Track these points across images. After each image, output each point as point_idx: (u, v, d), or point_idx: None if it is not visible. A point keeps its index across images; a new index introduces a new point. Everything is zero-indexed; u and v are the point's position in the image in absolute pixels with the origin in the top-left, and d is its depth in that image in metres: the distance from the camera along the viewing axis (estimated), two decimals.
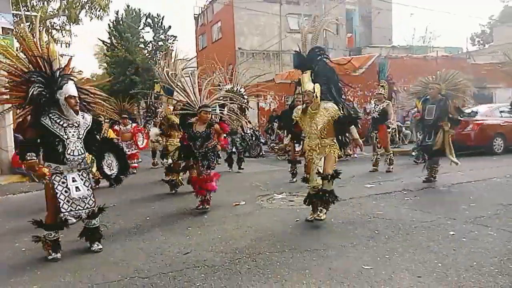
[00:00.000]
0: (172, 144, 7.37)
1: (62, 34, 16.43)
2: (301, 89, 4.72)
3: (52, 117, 3.84)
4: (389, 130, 8.74)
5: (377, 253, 3.62)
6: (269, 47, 25.44)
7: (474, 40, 35.82)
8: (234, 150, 9.68)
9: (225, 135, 6.19)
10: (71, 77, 4.03)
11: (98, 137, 4.29)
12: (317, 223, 4.69)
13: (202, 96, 5.70)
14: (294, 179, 7.60)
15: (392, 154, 8.53)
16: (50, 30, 16.14)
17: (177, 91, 6.04)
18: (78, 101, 3.94)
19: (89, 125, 4.06)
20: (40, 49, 3.95)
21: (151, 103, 15.09)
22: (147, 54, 32.93)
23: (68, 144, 3.83)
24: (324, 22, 4.82)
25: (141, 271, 3.46)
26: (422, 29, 53.69)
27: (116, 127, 11.15)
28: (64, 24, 16.24)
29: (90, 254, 3.97)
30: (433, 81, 6.90)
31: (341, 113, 4.55)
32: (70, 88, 3.86)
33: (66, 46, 16.63)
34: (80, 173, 3.94)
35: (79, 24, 16.00)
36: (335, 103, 4.57)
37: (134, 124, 11.02)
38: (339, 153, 4.78)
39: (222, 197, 6.21)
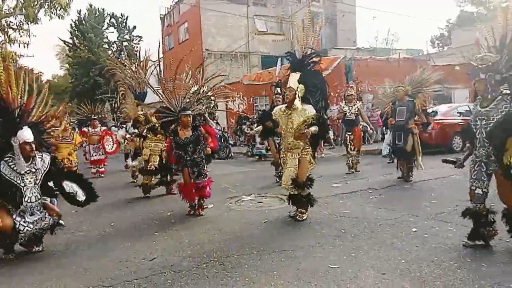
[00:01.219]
0: (149, 147, 7.02)
1: (20, 34, 15.69)
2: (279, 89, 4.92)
3: (10, 163, 3.77)
4: (361, 127, 8.69)
5: (344, 252, 3.68)
6: (237, 48, 25.43)
7: (434, 43, 37.35)
8: None
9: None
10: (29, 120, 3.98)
11: (57, 172, 4.18)
12: (284, 223, 4.75)
13: (181, 98, 5.42)
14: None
15: (360, 157, 8.57)
16: (6, 30, 15.39)
17: (158, 95, 5.73)
18: (33, 145, 3.83)
19: (47, 167, 4.01)
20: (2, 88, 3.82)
21: (116, 105, 14.71)
22: (111, 55, 32.08)
23: (25, 191, 3.82)
24: (317, 25, 5.05)
25: (105, 279, 3.34)
26: (385, 31, 55.50)
27: (84, 128, 10.78)
28: (21, 23, 15.50)
29: (51, 263, 3.80)
30: (400, 84, 7.10)
31: (316, 119, 4.72)
32: (24, 134, 3.76)
33: (24, 46, 15.88)
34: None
35: (37, 23, 15.33)
36: (315, 109, 4.75)
37: (103, 128, 10.69)
38: (311, 159, 4.94)
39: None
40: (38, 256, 4.03)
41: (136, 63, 9.07)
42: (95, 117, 10.90)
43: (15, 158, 3.78)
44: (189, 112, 5.23)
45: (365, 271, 3.22)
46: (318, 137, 5.07)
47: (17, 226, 3.77)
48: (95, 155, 10.15)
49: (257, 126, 8.38)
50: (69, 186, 4.14)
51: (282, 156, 5.06)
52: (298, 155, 4.83)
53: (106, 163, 10.58)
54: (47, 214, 3.97)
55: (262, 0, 27.56)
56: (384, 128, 9.70)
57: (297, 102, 4.73)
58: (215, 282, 3.18)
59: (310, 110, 4.72)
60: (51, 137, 4.52)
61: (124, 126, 10.18)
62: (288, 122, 4.79)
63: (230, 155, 13.37)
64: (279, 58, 19.19)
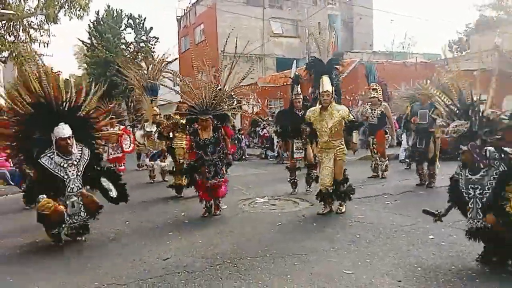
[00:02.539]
0: (181, 146, 6.98)
1: (40, 33, 15.98)
2: (320, 89, 5.15)
3: (51, 156, 3.96)
4: (387, 136, 8.31)
5: (358, 258, 3.63)
6: (252, 50, 25.46)
7: (451, 47, 36.79)
8: None
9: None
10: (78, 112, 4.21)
11: (96, 168, 4.38)
12: (298, 227, 4.74)
13: (207, 99, 5.28)
14: (296, 190, 6.80)
15: (388, 161, 8.24)
16: (27, 29, 15.72)
17: (180, 94, 5.84)
18: (70, 140, 3.99)
19: (87, 160, 4.18)
20: (43, 88, 3.99)
21: (132, 104, 14.90)
22: (128, 55, 32.51)
23: (68, 182, 4.02)
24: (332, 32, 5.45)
25: (119, 277, 3.37)
26: (402, 35, 54.91)
27: None
28: (42, 23, 15.81)
29: (64, 261, 3.85)
30: (425, 86, 6.91)
31: (350, 117, 5.15)
32: (60, 131, 3.93)
33: (44, 46, 16.20)
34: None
35: (57, 23, 15.60)
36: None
37: (122, 127, 10.80)
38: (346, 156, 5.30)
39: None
40: (51, 253, 4.09)
41: (151, 64, 9.24)
42: (113, 116, 11.04)
43: (57, 152, 3.98)
44: (208, 116, 5.19)
45: (380, 278, 3.17)
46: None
47: (65, 216, 3.98)
48: (113, 154, 10.26)
49: (252, 128, 8.30)
50: (106, 182, 4.33)
51: (318, 156, 5.45)
52: (333, 155, 5.13)
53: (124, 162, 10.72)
54: (82, 208, 4.14)
55: (278, 3, 27.56)
56: (405, 131, 9.31)
57: (332, 104, 5.09)
58: (228, 283, 3.18)
59: (344, 110, 5.11)
60: (102, 133, 4.63)
61: (139, 125, 10.29)
62: (323, 123, 5.10)
63: (243, 157, 13.38)
64: (294, 61, 19.19)
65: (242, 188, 7.48)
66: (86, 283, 3.29)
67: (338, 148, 5.16)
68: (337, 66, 5.42)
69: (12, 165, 9.03)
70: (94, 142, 4.46)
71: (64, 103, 4.13)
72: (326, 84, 5.10)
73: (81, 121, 4.26)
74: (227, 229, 4.77)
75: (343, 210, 5.27)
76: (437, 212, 3.74)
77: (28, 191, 4.22)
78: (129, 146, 10.35)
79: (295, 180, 6.86)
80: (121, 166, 10.27)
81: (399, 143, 12.42)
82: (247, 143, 15.16)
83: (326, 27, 26.40)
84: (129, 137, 10.37)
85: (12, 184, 8.49)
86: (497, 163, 3.21)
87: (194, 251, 3.97)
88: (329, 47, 5.25)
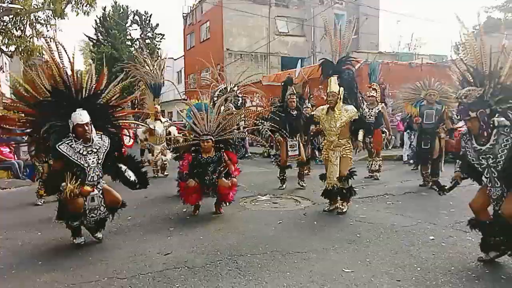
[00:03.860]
0: None
1: (47, 29, 16.07)
2: (327, 89, 5.24)
3: (70, 144, 3.83)
4: (384, 135, 8.41)
5: (358, 257, 3.64)
6: (257, 48, 25.47)
7: (458, 49, 36.56)
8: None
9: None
10: (98, 99, 4.09)
11: (116, 154, 4.24)
12: (299, 225, 4.75)
13: (212, 123, 5.22)
14: (284, 186, 7.21)
15: (381, 161, 8.33)
16: (34, 24, 15.79)
17: (186, 120, 5.71)
18: (88, 127, 3.86)
19: (107, 147, 4.05)
20: (61, 73, 3.89)
21: (136, 100, 14.97)
22: (133, 52, 32.63)
23: (88, 171, 3.90)
24: (351, 29, 5.28)
25: (120, 271, 3.40)
26: (408, 36, 54.64)
27: None
28: (49, 18, 15.89)
29: (68, 254, 3.89)
30: (427, 87, 6.87)
31: (359, 116, 5.19)
32: (77, 117, 3.82)
33: (51, 41, 16.27)
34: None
35: (64, 18, 15.67)
36: (355, 107, 5.19)
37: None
38: (351, 155, 5.34)
39: (206, 198, 6.15)
40: (54, 246, 4.12)
41: (154, 61, 9.36)
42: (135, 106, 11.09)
43: (76, 139, 3.85)
44: (209, 137, 5.11)
45: (380, 277, 3.18)
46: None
47: (86, 207, 3.88)
48: None
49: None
50: (124, 167, 4.20)
51: (324, 154, 5.45)
52: (340, 153, 5.20)
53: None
54: (102, 203, 4.04)
55: (284, 1, 27.52)
56: (408, 130, 9.24)
57: (339, 104, 5.10)
58: (227, 280, 3.20)
59: (352, 110, 5.14)
60: (122, 122, 4.48)
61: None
62: (331, 122, 5.17)
63: (246, 155, 13.38)
64: (299, 60, 19.19)
65: (244, 185, 7.48)
66: (88, 276, 3.32)
67: (345, 146, 5.21)
68: (348, 66, 5.35)
69: (17, 157, 9.13)
70: (114, 130, 4.30)
71: (84, 90, 4.01)
72: (332, 85, 5.17)
73: (101, 108, 4.12)
74: (228, 226, 4.79)
75: (344, 210, 5.23)
76: (445, 186, 3.78)
77: (49, 180, 4.01)
78: (129, 141, 10.41)
79: (284, 177, 7.28)
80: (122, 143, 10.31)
81: (402, 144, 12.39)
82: (250, 141, 15.16)
83: (336, 26, 26.35)
84: (129, 132, 10.42)
85: (23, 176, 8.58)
86: (507, 130, 3.18)
87: (195, 247, 3.99)
88: (343, 46, 5.20)
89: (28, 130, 4.10)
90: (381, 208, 5.56)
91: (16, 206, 6.18)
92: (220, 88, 8.60)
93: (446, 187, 3.81)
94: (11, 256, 3.87)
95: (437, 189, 3.79)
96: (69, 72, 3.96)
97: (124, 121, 4.58)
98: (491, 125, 3.23)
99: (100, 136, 4.03)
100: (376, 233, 4.36)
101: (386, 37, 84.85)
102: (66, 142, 3.82)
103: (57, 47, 3.98)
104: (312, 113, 7.54)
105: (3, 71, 20.26)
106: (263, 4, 26.07)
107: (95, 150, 3.94)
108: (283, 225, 4.78)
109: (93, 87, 4.06)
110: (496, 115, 3.24)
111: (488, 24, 31.19)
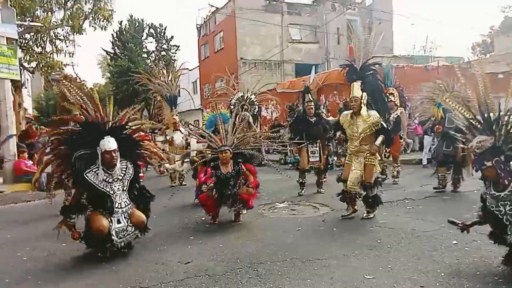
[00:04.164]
0: None
1: (66, 44, 16.56)
2: (350, 95, 5.27)
3: (96, 172, 3.95)
4: (402, 141, 8.30)
5: (379, 263, 3.60)
6: (271, 56, 25.59)
7: (475, 50, 35.96)
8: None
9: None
10: (124, 130, 4.26)
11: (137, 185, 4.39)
12: (318, 232, 4.73)
13: (229, 136, 5.31)
14: (303, 191, 7.30)
15: (400, 167, 8.24)
16: (54, 40, 16.30)
17: (199, 137, 5.82)
18: (115, 153, 3.99)
19: (131, 175, 4.18)
20: (90, 109, 4.08)
21: (154, 111, 15.23)
22: (150, 64, 33.23)
23: (114, 198, 4.01)
24: (373, 34, 5.26)
25: (142, 280, 3.45)
26: (423, 39, 54.00)
27: None
28: (68, 34, 16.37)
29: (91, 263, 3.96)
30: (451, 88, 6.71)
31: (381, 124, 5.09)
32: (106, 144, 3.96)
33: (70, 56, 16.75)
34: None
35: (82, 34, 16.12)
36: (379, 113, 5.11)
37: (142, 133, 11.01)
38: (377, 164, 5.31)
39: (224, 206, 6.18)
40: (78, 256, 4.20)
41: (169, 73, 9.56)
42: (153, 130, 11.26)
43: (100, 168, 3.97)
44: (227, 148, 5.15)
45: (402, 284, 3.14)
46: (384, 142, 5.37)
47: (111, 229, 3.95)
48: None
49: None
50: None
51: (347, 159, 5.47)
52: (364, 159, 5.18)
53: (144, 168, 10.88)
54: (129, 223, 4.08)
55: (296, 9, 27.63)
56: (431, 134, 9.12)
57: (363, 109, 5.10)
58: (248, 287, 3.20)
59: (375, 116, 5.08)
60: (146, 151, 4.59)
61: (159, 131, 10.48)
62: (353, 128, 5.19)
63: (263, 162, 13.38)
64: (313, 66, 19.19)
65: (262, 193, 7.46)
66: (111, 285, 3.39)
67: (368, 152, 5.17)
68: (372, 71, 5.29)
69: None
70: (137, 160, 4.44)
71: (111, 123, 4.19)
72: (354, 90, 5.19)
73: (125, 139, 4.26)
74: (247, 234, 4.80)
75: (370, 216, 5.21)
76: (461, 224, 3.64)
77: (67, 209, 4.08)
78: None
79: (304, 181, 7.35)
80: (140, 172, 10.45)
81: (421, 148, 12.20)
82: (266, 148, 15.17)
83: (349, 32, 26.31)
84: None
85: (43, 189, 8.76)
86: None
87: (215, 255, 4.02)
88: (367, 51, 5.20)
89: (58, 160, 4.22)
90: (401, 213, 5.48)
91: (41, 218, 6.31)
92: (238, 97, 8.73)
93: (467, 225, 3.68)
94: (38, 266, 3.97)
95: (457, 226, 3.71)
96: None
97: (148, 151, 4.62)
98: (509, 170, 3.16)
99: (125, 163, 4.15)
100: (397, 238, 4.30)
101: (401, 41, 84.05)
102: (93, 170, 3.96)
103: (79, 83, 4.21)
104: (330, 118, 7.61)
105: (25, 87, 20.90)
106: (275, 13, 26.24)
107: (120, 178, 4.07)
108: (302, 232, 4.77)
109: (119, 121, 4.25)
110: None
111: (505, 24, 30.60)
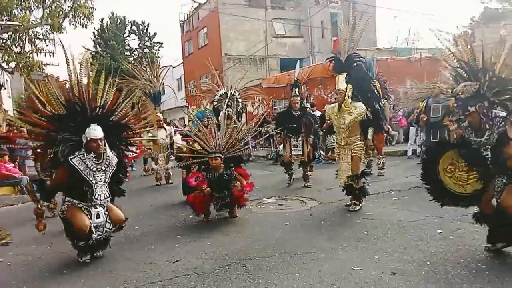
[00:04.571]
0: None
1: (46, 43, 16.19)
2: (335, 87, 5.27)
3: (82, 158, 3.82)
4: (384, 133, 8.42)
5: (366, 254, 3.64)
6: (255, 52, 25.52)
7: (456, 41, 36.44)
8: None
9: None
10: (110, 117, 4.07)
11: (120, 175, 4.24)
12: (305, 226, 4.76)
13: (220, 141, 5.19)
14: (292, 180, 7.63)
15: (384, 158, 8.38)
16: (33, 40, 15.92)
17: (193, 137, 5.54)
18: (102, 142, 3.86)
19: (114, 167, 4.04)
20: (78, 88, 3.91)
21: (138, 110, 15.04)
22: (132, 61, 32.79)
23: (95, 188, 3.87)
24: (360, 26, 5.22)
25: (130, 281, 3.41)
26: (406, 31, 54.56)
27: None
28: (47, 33, 16.01)
29: (77, 266, 3.90)
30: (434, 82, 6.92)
31: (368, 115, 5.11)
32: (91, 132, 3.81)
33: (50, 56, 16.39)
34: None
35: (62, 32, 15.78)
36: (365, 104, 5.13)
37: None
38: (363, 153, 5.36)
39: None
40: (64, 259, 4.13)
41: (153, 70, 9.46)
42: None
43: (87, 154, 3.83)
44: (218, 155, 5.08)
45: (389, 274, 3.18)
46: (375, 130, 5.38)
47: (91, 227, 3.84)
48: None
49: (258, 128, 8.44)
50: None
51: (336, 152, 5.61)
52: (351, 150, 5.22)
53: (133, 168, 10.78)
54: (107, 219, 3.99)
55: (280, 3, 27.58)
56: (415, 125, 9.25)
57: (347, 102, 5.09)
58: (237, 284, 3.20)
59: (361, 107, 5.10)
60: (136, 137, 4.50)
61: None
62: (340, 120, 5.20)
63: (250, 158, 13.39)
64: (298, 61, 19.19)
65: None
66: (97, 286, 3.35)
67: (355, 144, 5.22)
68: (358, 63, 5.23)
69: (23, 173, 9.18)
70: (124, 148, 4.32)
71: (98, 107, 4.01)
72: (339, 82, 5.20)
73: (113, 126, 4.12)
74: (235, 230, 4.79)
75: (357, 208, 5.25)
76: None
77: (49, 191, 3.94)
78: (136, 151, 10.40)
79: (291, 172, 7.67)
80: (126, 168, 10.33)
81: (406, 140, 12.36)
82: (253, 144, 15.18)
83: (333, 25, 26.40)
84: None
85: (26, 192, 8.60)
86: (500, 121, 3.21)
87: (203, 253, 4.00)
88: (351, 43, 5.17)
89: (38, 144, 4.12)
90: (387, 205, 5.55)
91: (25, 221, 6.19)
92: (221, 93, 8.67)
93: None
94: (22, 271, 3.90)
95: None
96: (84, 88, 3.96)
97: (135, 139, 4.54)
98: (491, 117, 3.25)
99: (108, 155, 4.02)
100: (383, 229, 4.35)
101: (384, 34, 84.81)
102: (78, 155, 3.81)
103: (69, 61, 3.99)
104: (316, 113, 7.64)
105: (4, 88, 20.41)
106: (259, 8, 26.14)
107: (104, 168, 3.94)
108: (290, 227, 4.78)
109: (107, 104, 4.06)
110: (495, 107, 3.26)
111: (485, 15, 31.12)
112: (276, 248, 3.97)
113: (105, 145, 3.92)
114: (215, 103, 8.62)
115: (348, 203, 5.41)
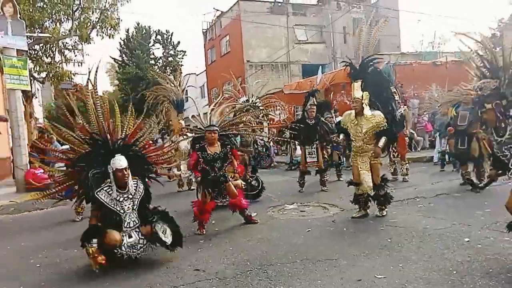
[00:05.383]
0: None
1: (75, 54, 16.82)
2: (352, 95, 5.20)
3: (107, 190, 3.94)
4: (406, 138, 8.40)
5: (390, 262, 3.57)
6: (277, 58, 25.60)
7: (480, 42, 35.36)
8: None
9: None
10: (133, 146, 4.21)
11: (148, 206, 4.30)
12: (328, 232, 4.72)
13: (212, 115, 5.38)
14: (303, 189, 7.69)
15: (408, 165, 8.24)
16: (62, 50, 16.56)
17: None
18: (127, 172, 3.96)
19: (142, 193, 4.13)
20: (98, 123, 4.07)
21: (162, 116, 15.34)
22: (157, 70, 33.52)
23: (124, 217, 3.97)
24: (376, 30, 5.12)
25: (153, 285, 3.47)
26: (431, 35, 53.44)
27: None
28: (76, 43, 16.63)
29: (103, 270, 3.97)
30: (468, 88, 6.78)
31: (385, 124, 4.98)
32: (117, 162, 3.92)
33: (79, 65, 17.02)
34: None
35: (90, 43, 16.36)
36: (383, 111, 5.01)
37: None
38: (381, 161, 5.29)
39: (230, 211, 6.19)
40: (86, 260, 4.16)
41: (176, 78, 9.66)
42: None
43: (112, 186, 3.95)
44: (215, 128, 5.15)
45: (414, 282, 3.10)
46: (388, 142, 5.26)
47: (123, 244, 3.89)
48: None
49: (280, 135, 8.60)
50: (160, 224, 4.11)
51: (353, 160, 5.44)
52: (369, 158, 5.12)
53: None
54: (140, 235, 4.02)
55: (301, 10, 27.61)
56: (438, 133, 9.12)
57: (365, 109, 4.99)
58: None
59: (379, 116, 4.98)
60: (158, 166, 4.58)
61: (167, 137, 10.55)
62: (357, 128, 5.09)
63: (272, 164, 13.40)
64: (320, 67, 19.14)
65: (271, 195, 7.49)
66: None
67: (372, 152, 5.12)
68: (372, 68, 5.09)
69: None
70: (148, 175, 4.42)
71: (120, 140, 4.15)
72: (355, 90, 5.11)
73: (136, 155, 4.22)
74: (257, 236, 4.79)
75: (383, 214, 5.21)
76: (478, 184, 3.70)
77: (87, 235, 3.91)
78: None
79: (304, 181, 7.75)
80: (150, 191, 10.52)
81: (431, 145, 12.08)
82: (276, 151, 15.18)
83: (357, 29, 26.18)
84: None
85: (62, 197, 8.90)
86: None
87: (225, 258, 4.02)
88: (366, 48, 5.07)
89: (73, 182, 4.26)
90: (412, 212, 5.43)
91: (53, 225, 6.41)
92: (242, 100, 8.77)
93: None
94: (50, 272, 4.03)
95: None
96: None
97: (158, 166, 4.62)
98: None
99: (135, 182, 4.11)
100: (408, 237, 4.26)
101: (408, 38, 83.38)
102: (104, 188, 3.94)
103: (93, 89, 4.17)
104: (337, 118, 7.57)
105: (36, 97, 21.23)
106: (280, 14, 26.26)
107: (130, 196, 4.03)
108: (312, 233, 4.75)
109: (128, 136, 4.20)
110: None
111: None
112: (298, 254, 3.95)
113: (129, 174, 4.01)
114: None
115: (354, 215, 5.29)
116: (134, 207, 4.04)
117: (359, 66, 5.09)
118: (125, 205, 3.98)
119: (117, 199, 3.95)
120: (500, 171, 3.53)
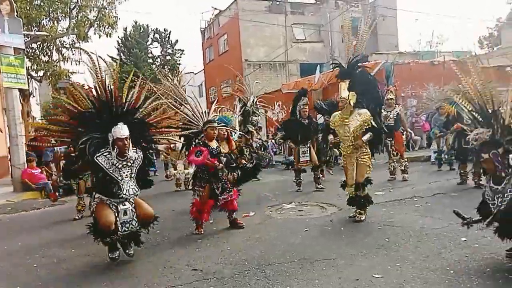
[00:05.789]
0: None
1: (72, 52, 16.77)
2: (338, 95, 5.21)
3: (107, 156, 3.90)
4: (403, 136, 8.42)
5: (388, 262, 3.58)
6: (276, 57, 25.59)
7: (482, 43, 35.54)
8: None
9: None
10: (134, 115, 4.13)
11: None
12: (325, 232, 4.71)
13: (210, 111, 5.44)
14: (300, 188, 7.70)
15: (407, 162, 8.23)
16: (60, 49, 16.51)
17: (185, 107, 5.62)
18: (127, 141, 3.92)
19: (140, 162, 4.11)
20: (103, 88, 4.01)
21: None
22: (155, 69, 33.44)
23: (122, 184, 3.94)
24: (365, 31, 5.06)
25: (151, 285, 3.47)
26: (429, 34, 53.55)
27: None
28: (73, 42, 16.58)
29: (100, 269, 3.99)
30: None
31: (371, 123, 4.91)
32: (118, 130, 3.88)
33: (76, 64, 16.96)
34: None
35: (88, 41, 16.31)
36: (371, 108, 4.95)
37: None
38: (369, 163, 5.14)
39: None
40: (86, 262, 4.24)
41: (175, 77, 9.67)
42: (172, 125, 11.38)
43: (112, 152, 3.90)
44: (215, 124, 5.16)
45: (411, 282, 3.11)
46: (374, 142, 5.17)
47: (117, 224, 3.90)
48: None
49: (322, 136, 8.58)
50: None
51: (343, 160, 5.43)
52: (356, 159, 5.05)
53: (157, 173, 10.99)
54: (134, 217, 4.03)
55: (299, 9, 27.60)
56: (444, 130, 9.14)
57: (352, 108, 4.94)
58: None
59: (365, 114, 4.91)
60: (161, 135, 4.54)
61: None
62: (345, 128, 5.03)
63: (270, 163, 13.39)
64: (318, 66, 19.13)
65: (269, 194, 7.51)
66: None
67: (361, 152, 5.04)
68: (360, 68, 5.05)
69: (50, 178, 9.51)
70: (149, 145, 4.36)
71: (124, 104, 4.08)
72: (341, 90, 5.09)
73: (138, 123, 4.17)
74: (255, 235, 4.80)
75: (362, 218, 5.03)
76: (468, 218, 3.63)
77: (69, 170, 4.00)
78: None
79: (300, 181, 7.75)
80: (152, 159, 10.53)
81: (429, 145, 12.10)
82: (274, 150, 15.18)
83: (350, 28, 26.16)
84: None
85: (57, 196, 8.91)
86: None
87: (223, 258, 4.03)
88: (354, 48, 5.02)
89: (67, 140, 4.22)
90: (409, 211, 5.44)
91: (51, 225, 6.40)
92: (243, 101, 8.86)
93: (470, 221, 3.65)
94: (47, 272, 4.02)
95: (462, 219, 3.68)
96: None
97: (160, 137, 4.60)
98: (507, 164, 3.16)
99: (135, 150, 4.08)
100: (405, 236, 4.27)
101: (406, 37, 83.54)
102: (104, 154, 3.88)
103: (97, 61, 4.10)
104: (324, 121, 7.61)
105: (33, 96, 21.17)
106: (279, 13, 26.24)
107: (129, 164, 4.00)
108: (309, 233, 4.76)
109: (132, 102, 4.13)
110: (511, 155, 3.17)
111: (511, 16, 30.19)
112: (296, 254, 3.95)
113: (129, 143, 3.98)
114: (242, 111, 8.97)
115: (351, 215, 5.21)
116: (132, 175, 4.02)
117: (347, 66, 5.04)
118: (124, 172, 3.95)
119: (116, 165, 3.91)
120: (481, 218, 3.49)
